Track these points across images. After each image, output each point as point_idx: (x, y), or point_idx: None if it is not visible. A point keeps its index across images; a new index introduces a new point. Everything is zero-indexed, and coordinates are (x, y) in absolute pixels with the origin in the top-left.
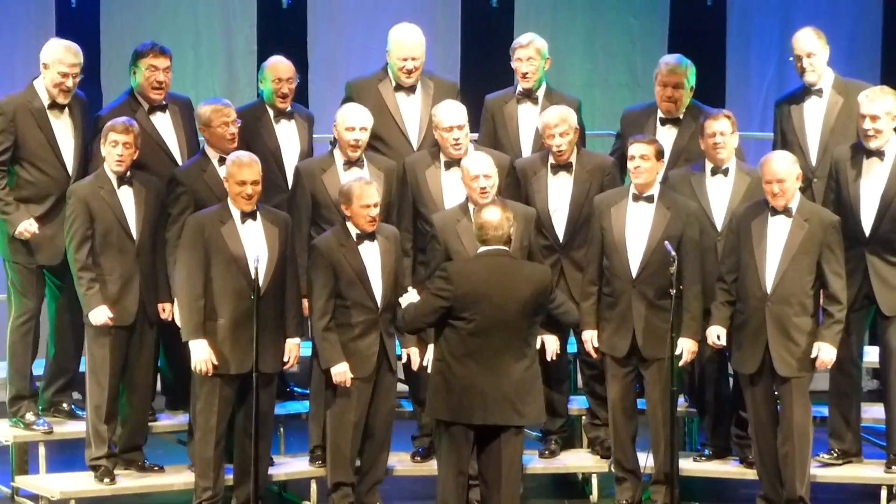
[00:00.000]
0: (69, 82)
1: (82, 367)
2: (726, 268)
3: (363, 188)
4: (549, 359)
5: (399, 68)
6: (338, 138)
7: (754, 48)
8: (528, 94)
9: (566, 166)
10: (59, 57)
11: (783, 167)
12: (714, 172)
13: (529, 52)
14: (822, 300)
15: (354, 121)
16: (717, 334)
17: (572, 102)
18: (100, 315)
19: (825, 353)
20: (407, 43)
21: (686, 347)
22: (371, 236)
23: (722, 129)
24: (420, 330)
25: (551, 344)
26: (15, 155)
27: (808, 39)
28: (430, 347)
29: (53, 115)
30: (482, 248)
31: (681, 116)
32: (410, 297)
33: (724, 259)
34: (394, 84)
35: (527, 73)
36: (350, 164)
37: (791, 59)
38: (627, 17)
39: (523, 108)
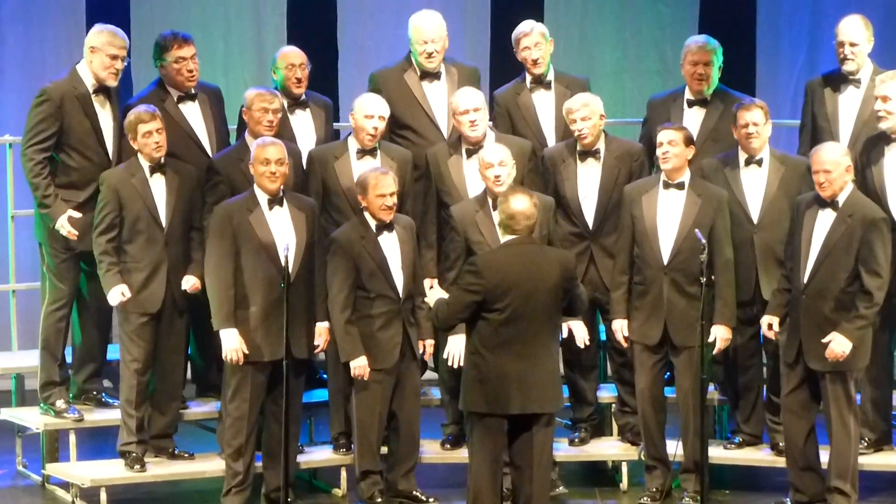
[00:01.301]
0: (119, 64)
1: (110, 356)
2: (786, 255)
3: (379, 178)
4: (580, 346)
5: (420, 53)
6: (354, 127)
7: (784, 34)
8: (540, 81)
9: (594, 153)
10: (108, 39)
11: (830, 157)
12: (748, 163)
13: (535, 38)
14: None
15: (373, 109)
16: (768, 323)
17: (583, 82)
18: (115, 295)
19: (836, 344)
20: (425, 27)
21: (720, 335)
22: (389, 227)
23: (755, 120)
24: (453, 326)
25: (580, 331)
26: (59, 141)
27: (855, 27)
28: (449, 348)
29: (98, 100)
30: (507, 238)
31: (708, 98)
32: (436, 293)
33: (786, 247)
34: (419, 73)
35: (537, 59)
36: (363, 153)
37: (834, 42)
38: (657, 3)
39: (538, 96)
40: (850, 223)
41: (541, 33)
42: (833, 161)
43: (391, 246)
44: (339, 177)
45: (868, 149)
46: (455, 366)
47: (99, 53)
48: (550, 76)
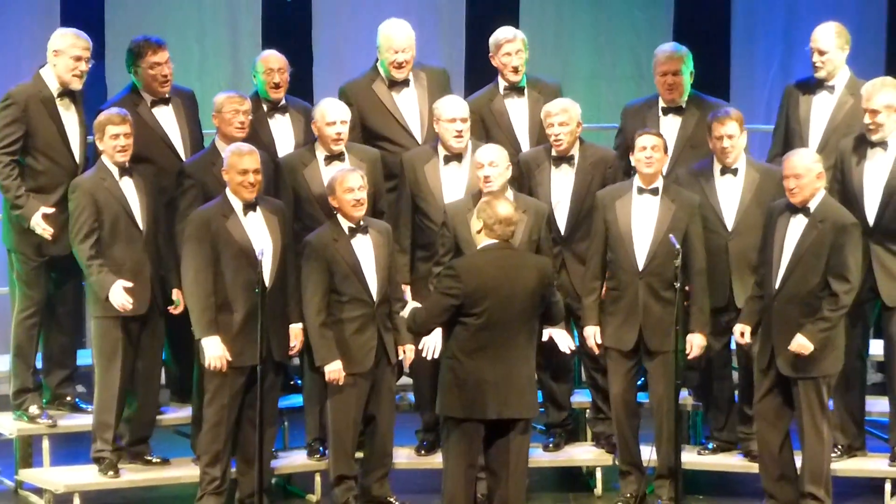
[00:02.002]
0: (83, 66)
1: (81, 361)
2: (759, 262)
3: (345, 174)
4: (566, 352)
5: (390, 62)
6: (319, 135)
7: (759, 41)
8: (514, 88)
9: (568, 159)
10: (72, 42)
11: (802, 163)
12: (724, 172)
13: (517, 45)
14: None
15: (334, 115)
16: (740, 331)
17: (555, 87)
18: (118, 291)
19: (798, 345)
20: (396, 37)
21: (695, 343)
22: (363, 230)
23: (730, 133)
24: (431, 331)
25: (564, 339)
26: (25, 145)
27: (825, 36)
28: (425, 341)
29: (62, 104)
30: (485, 243)
31: (683, 105)
32: (411, 307)
33: (759, 254)
34: (387, 81)
35: (517, 66)
36: (331, 158)
37: (807, 48)
38: (632, 9)
39: (512, 102)
40: (822, 229)
41: (522, 41)
42: (804, 167)
43: (365, 249)
44: (310, 183)
45: (850, 151)
46: (430, 358)
47: (63, 56)
48: (523, 82)
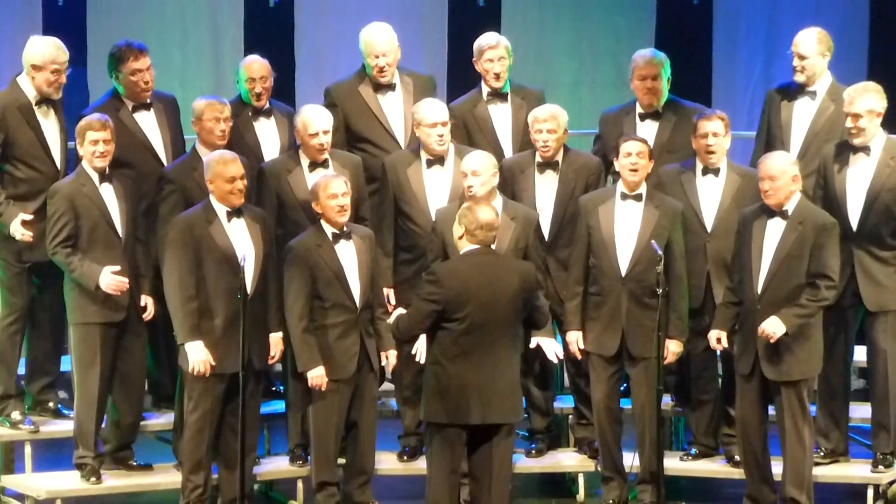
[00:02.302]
0: (62, 78)
1: (64, 367)
2: (733, 269)
3: (329, 180)
4: (554, 361)
5: (372, 67)
6: (302, 143)
7: (741, 47)
8: (497, 94)
9: (552, 165)
10: (51, 58)
11: (776, 165)
12: (705, 172)
13: (500, 51)
14: None
15: (317, 125)
16: (716, 337)
17: (538, 94)
18: (107, 276)
19: (770, 324)
20: (376, 41)
21: (670, 348)
22: (347, 236)
23: (715, 130)
24: (415, 337)
25: (551, 346)
26: (5, 153)
27: (806, 41)
28: (417, 346)
29: (41, 111)
30: (467, 248)
31: (660, 110)
32: (397, 314)
33: (732, 260)
34: (372, 85)
35: (499, 73)
36: (315, 165)
37: (789, 52)
38: (614, 15)
39: (495, 108)
40: (802, 230)
41: (505, 47)
42: (779, 169)
43: (348, 254)
44: (294, 189)
45: (832, 157)
46: (422, 361)
47: (43, 72)
48: (506, 88)
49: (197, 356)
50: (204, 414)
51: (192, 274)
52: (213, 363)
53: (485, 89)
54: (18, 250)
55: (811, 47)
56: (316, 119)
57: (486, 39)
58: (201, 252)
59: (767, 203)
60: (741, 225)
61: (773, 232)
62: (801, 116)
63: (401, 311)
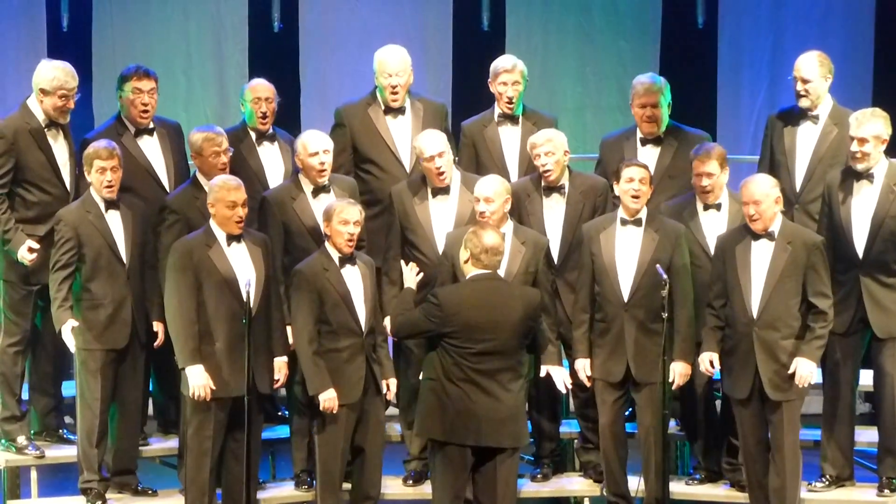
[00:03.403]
0: (70, 103)
1: (68, 392)
2: (714, 293)
3: (344, 206)
4: (562, 390)
5: (385, 87)
6: (303, 167)
7: (745, 71)
8: (509, 116)
9: (559, 188)
10: (60, 84)
11: (759, 189)
12: (706, 208)
13: (515, 76)
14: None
15: (316, 145)
16: (709, 360)
17: (551, 120)
18: (67, 333)
19: (802, 367)
20: (390, 61)
21: (678, 371)
22: (352, 261)
23: (710, 171)
24: (408, 339)
25: (560, 375)
26: (16, 177)
27: (808, 65)
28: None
29: (51, 135)
30: (473, 273)
31: (661, 136)
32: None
33: (712, 285)
34: (383, 107)
35: (512, 97)
36: (318, 190)
37: (790, 77)
38: (618, 40)
39: (505, 131)
40: (793, 251)
41: (521, 72)
42: (762, 193)
43: (354, 279)
44: (301, 216)
45: (836, 185)
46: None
47: (51, 96)
48: (518, 111)
49: (197, 380)
50: (205, 439)
51: (193, 298)
52: (214, 387)
53: (497, 111)
54: (25, 273)
55: (814, 71)
56: (315, 140)
57: (503, 62)
58: (201, 276)
59: (754, 228)
60: (719, 250)
61: (762, 254)
62: (805, 141)
63: (411, 276)
